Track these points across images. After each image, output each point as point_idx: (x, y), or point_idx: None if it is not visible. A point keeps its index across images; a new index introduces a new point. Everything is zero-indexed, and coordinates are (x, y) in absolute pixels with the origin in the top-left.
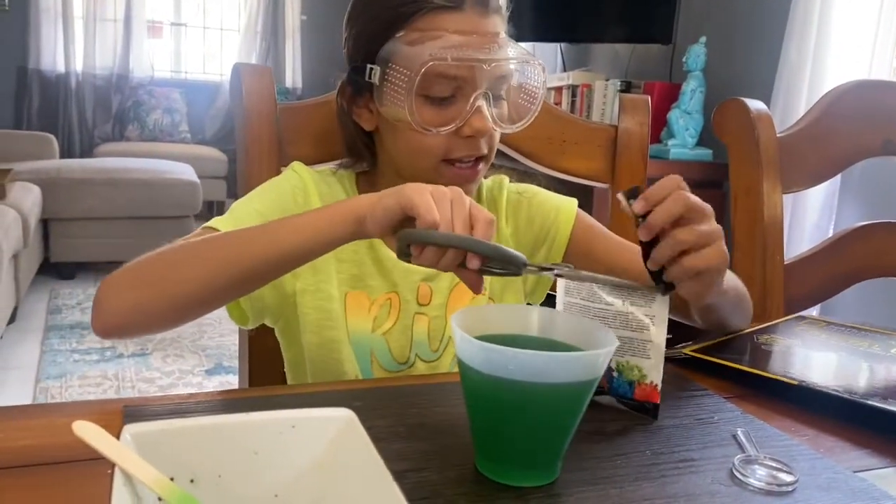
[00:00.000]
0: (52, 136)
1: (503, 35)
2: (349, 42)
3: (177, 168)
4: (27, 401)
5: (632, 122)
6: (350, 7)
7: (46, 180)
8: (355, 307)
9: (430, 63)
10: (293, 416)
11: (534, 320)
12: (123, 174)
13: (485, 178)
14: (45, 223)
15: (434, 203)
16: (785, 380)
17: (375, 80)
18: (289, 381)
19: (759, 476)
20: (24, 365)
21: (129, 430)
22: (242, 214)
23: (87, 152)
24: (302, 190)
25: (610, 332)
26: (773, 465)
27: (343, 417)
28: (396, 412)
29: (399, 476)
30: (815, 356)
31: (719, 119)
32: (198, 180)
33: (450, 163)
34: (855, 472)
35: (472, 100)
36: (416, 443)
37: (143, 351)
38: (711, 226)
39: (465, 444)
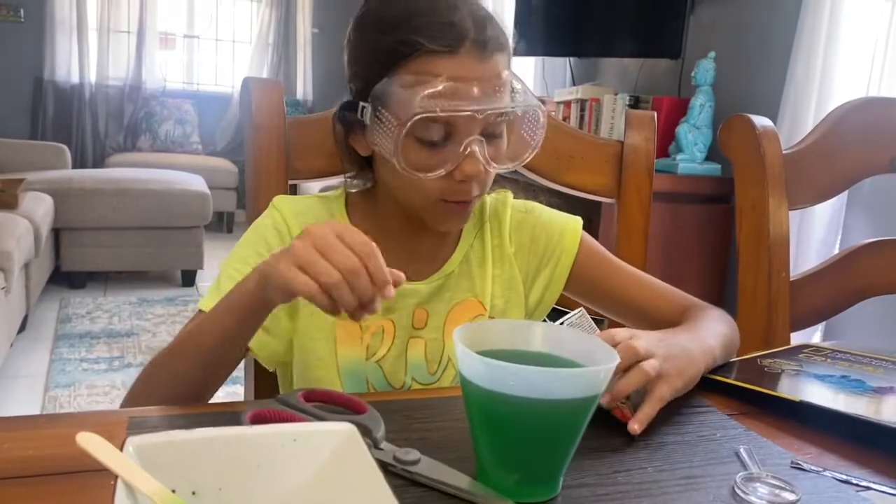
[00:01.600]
0: (64, 147)
1: (505, 74)
2: (348, 68)
3: (188, 179)
4: (36, 409)
5: (638, 138)
6: (349, 30)
7: (59, 190)
8: (346, 337)
9: (419, 115)
10: (294, 430)
11: (536, 336)
12: (134, 184)
13: (488, 193)
14: (56, 232)
15: (307, 270)
16: (787, 397)
17: (367, 119)
18: None
19: (760, 494)
20: (34, 373)
21: (133, 441)
22: (227, 282)
23: (99, 162)
24: (282, 223)
25: (612, 349)
26: (776, 483)
27: (344, 431)
28: (398, 427)
29: (400, 490)
30: (817, 380)
31: (725, 136)
32: (208, 191)
33: (445, 201)
34: (858, 491)
35: (463, 146)
36: (422, 455)
37: None
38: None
39: (466, 459)
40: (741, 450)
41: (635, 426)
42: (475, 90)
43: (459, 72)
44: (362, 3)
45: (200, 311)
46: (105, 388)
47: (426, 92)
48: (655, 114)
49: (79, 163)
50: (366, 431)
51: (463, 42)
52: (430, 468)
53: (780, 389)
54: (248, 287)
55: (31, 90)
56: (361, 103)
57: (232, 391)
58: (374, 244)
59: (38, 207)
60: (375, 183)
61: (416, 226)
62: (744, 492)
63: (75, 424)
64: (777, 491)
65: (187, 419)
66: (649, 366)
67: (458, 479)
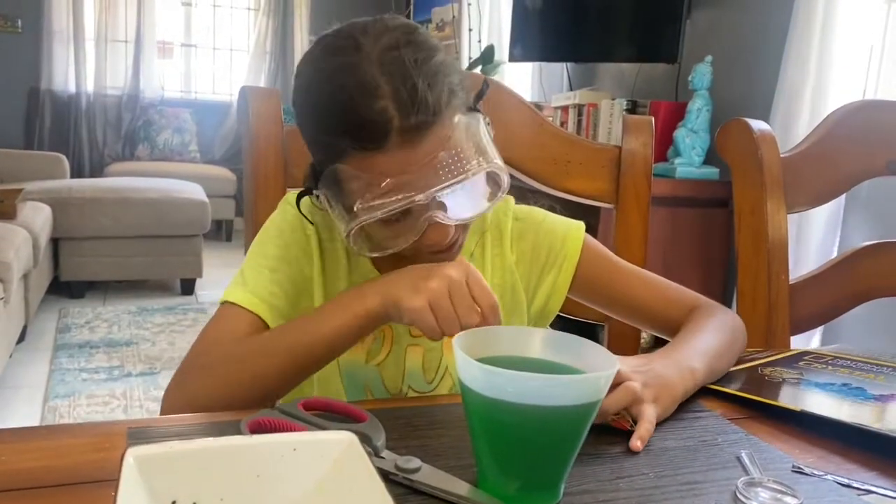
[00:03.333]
0: (62, 156)
1: (444, 152)
2: (301, 131)
3: (186, 187)
4: (35, 419)
5: (636, 143)
6: (292, 101)
7: (57, 200)
8: None
9: (362, 222)
10: (295, 440)
11: (536, 343)
12: (133, 193)
13: None
14: (55, 242)
15: (436, 313)
16: (788, 407)
17: (326, 207)
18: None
19: (762, 499)
20: (33, 384)
21: (133, 452)
22: (254, 277)
23: (97, 172)
24: (300, 227)
25: (612, 355)
26: (777, 487)
27: (344, 440)
28: (398, 434)
29: (401, 499)
30: (818, 388)
31: (722, 140)
32: (207, 199)
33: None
34: (860, 495)
35: (420, 220)
36: (423, 462)
37: (151, 370)
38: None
39: (467, 466)
40: (742, 454)
41: (637, 443)
42: (413, 179)
43: (391, 167)
44: (296, 69)
45: (228, 302)
46: (105, 398)
47: (363, 199)
48: (653, 119)
49: (77, 172)
50: (366, 440)
51: (387, 137)
52: (431, 476)
53: (780, 399)
54: (370, 305)
55: (29, 100)
56: (315, 191)
57: None
58: (496, 301)
59: (37, 217)
60: None
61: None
62: (745, 497)
63: (75, 435)
64: (779, 495)
65: (187, 429)
66: (630, 385)
67: (459, 487)
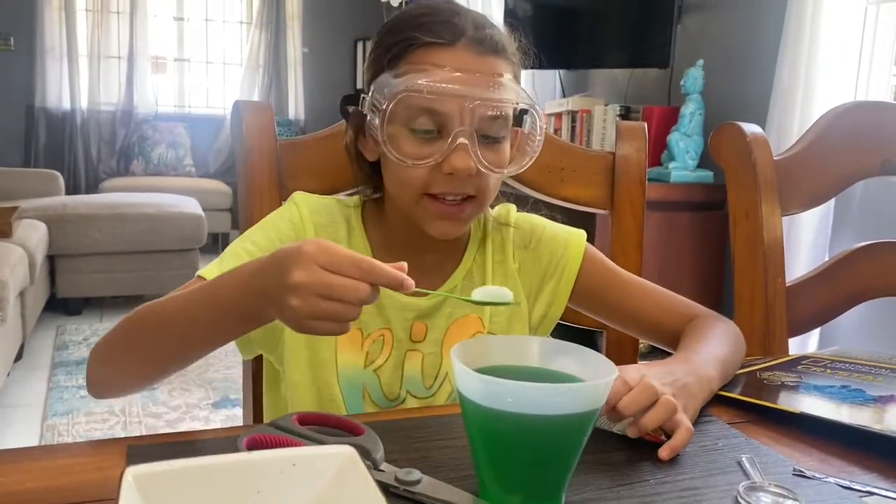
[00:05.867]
0: (57, 173)
1: (505, 77)
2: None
3: (181, 202)
4: (34, 438)
5: (629, 149)
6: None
7: (52, 217)
8: (347, 342)
9: (404, 94)
10: (294, 455)
11: (534, 351)
12: (128, 209)
13: (491, 206)
14: (51, 259)
15: (324, 317)
16: (787, 409)
17: (365, 109)
18: (266, 419)
19: (764, 503)
20: (32, 402)
21: (132, 471)
22: (231, 259)
23: (92, 188)
24: (298, 226)
25: (610, 362)
26: (779, 491)
27: (343, 454)
28: (397, 447)
29: None
30: (817, 391)
31: (716, 143)
32: (202, 213)
33: (433, 197)
34: (861, 496)
35: (452, 136)
36: (423, 474)
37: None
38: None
39: (468, 477)
40: (743, 459)
41: (665, 453)
42: (468, 80)
43: (457, 63)
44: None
45: (199, 277)
46: (103, 416)
47: (419, 76)
48: (646, 125)
49: (72, 189)
50: (365, 453)
51: (459, 37)
52: (432, 488)
53: (780, 402)
54: (249, 307)
55: (24, 118)
56: (362, 94)
57: (232, 413)
58: (367, 259)
59: (32, 235)
60: (383, 194)
61: (422, 240)
62: (747, 501)
63: (73, 454)
64: (780, 499)
65: (184, 446)
66: (670, 399)
67: (461, 498)
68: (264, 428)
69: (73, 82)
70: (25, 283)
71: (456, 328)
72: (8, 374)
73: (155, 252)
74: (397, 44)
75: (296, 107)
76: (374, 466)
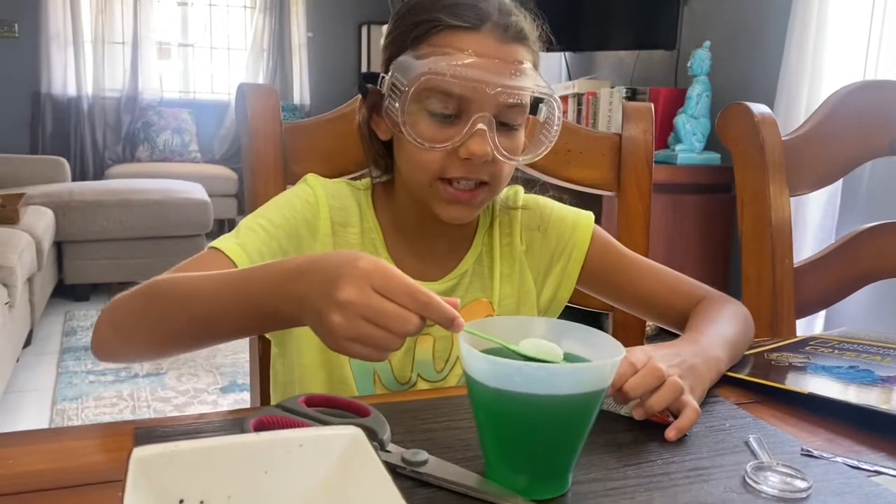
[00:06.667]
0: (63, 160)
1: (526, 65)
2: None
3: (187, 187)
4: (44, 423)
5: (636, 130)
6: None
7: (59, 203)
8: None
9: (426, 76)
10: (301, 436)
11: (540, 331)
12: (134, 195)
13: None
14: (58, 246)
15: (366, 343)
16: (795, 390)
17: (384, 88)
18: (274, 402)
19: (772, 483)
20: (41, 387)
21: (138, 452)
22: (248, 233)
23: (98, 174)
24: (313, 205)
25: (617, 342)
26: (786, 471)
27: (350, 435)
28: (404, 428)
29: (409, 492)
30: (825, 372)
31: (723, 124)
32: (208, 199)
33: (447, 182)
34: (869, 476)
35: (471, 122)
36: (430, 455)
37: (157, 370)
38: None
39: (475, 458)
40: (751, 439)
41: (673, 433)
42: (490, 66)
43: (479, 48)
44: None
45: (213, 248)
46: (112, 400)
47: (442, 59)
48: (652, 105)
49: (79, 175)
50: (371, 434)
51: (484, 21)
52: (438, 468)
53: (787, 383)
54: (282, 309)
55: (30, 104)
56: (382, 74)
57: (240, 398)
58: (423, 291)
59: (39, 221)
60: (395, 176)
61: (432, 223)
62: (755, 481)
63: (81, 437)
64: (788, 479)
65: (192, 428)
66: (677, 380)
67: (467, 479)
68: (271, 410)
69: (78, 68)
70: (33, 269)
71: (466, 312)
72: (17, 360)
73: (161, 238)
74: (420, 24)
75: (301, 91)
76: (380, 447)
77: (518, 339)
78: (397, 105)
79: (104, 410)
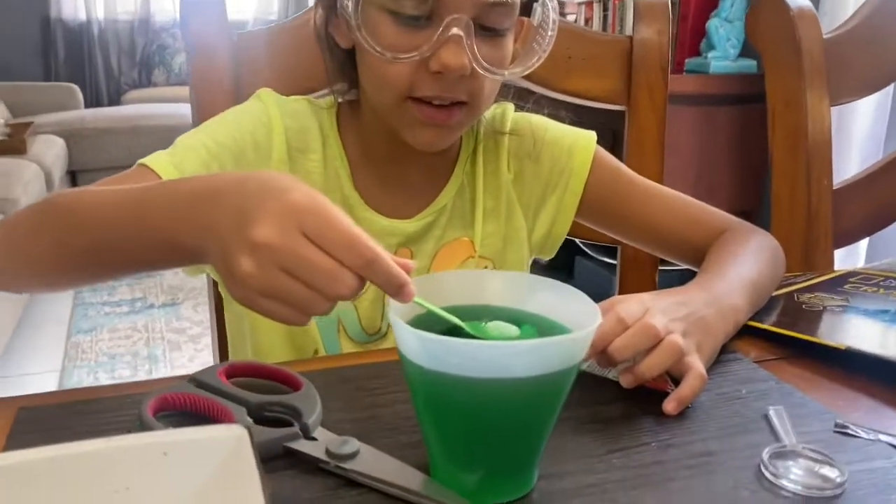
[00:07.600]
0: (75, 87)
1: None
2: None
3: None
4: (59, 356)
5: (649, 31)
6: None
7: (70, 131)
8: None
9: None
10: (165, 440)
11: (496, 287)
12: (147, 121)
13: None
14: (72, 175)
15: (274, 297)
16: (830, 344)
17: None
18: (230, 356)
19: (795, 476)
20: (57, 319)
21: None
22: (185, 151)
23: (115, 100)
24: (266, 125)
25: (591, 302)
26: (814, 456)
27: (231, 437)
28: (343, 402)
29: (330, 495)
30: (868, 317)
31: (753, 21)
32: None
33: (418, 100)
34: None
35: (444, 25)
36: (363, 444)
37: (173, 301)
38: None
39: (420, 444)
40: (771, 411)
41: (673, 405)
42: None
43: None
44: None
45: (142, 165)
46: (127, 332)
47: None
48: (669, 1)
49: (94, 102)
50: (296, 414)
51: None
52: (372, 463)
53: (821, 333)
54: (183, 241)
55: (41, 30)
56: None
57: (204, 361)
58: (368, 244)
59: (49, 151)
60: (360, 95)
61: (405, 150)
62: (773, 472)
63: None
64: (814, 467)
65: (80, 406)
66: (675, 340)
67: (405, 477)
68: (181, 385)
69: None
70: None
71: (446, 252)
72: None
73: None
74: None
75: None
76: (304, 434)
77: (478, 299)
78: (351, 2)
79: (119, 342)
